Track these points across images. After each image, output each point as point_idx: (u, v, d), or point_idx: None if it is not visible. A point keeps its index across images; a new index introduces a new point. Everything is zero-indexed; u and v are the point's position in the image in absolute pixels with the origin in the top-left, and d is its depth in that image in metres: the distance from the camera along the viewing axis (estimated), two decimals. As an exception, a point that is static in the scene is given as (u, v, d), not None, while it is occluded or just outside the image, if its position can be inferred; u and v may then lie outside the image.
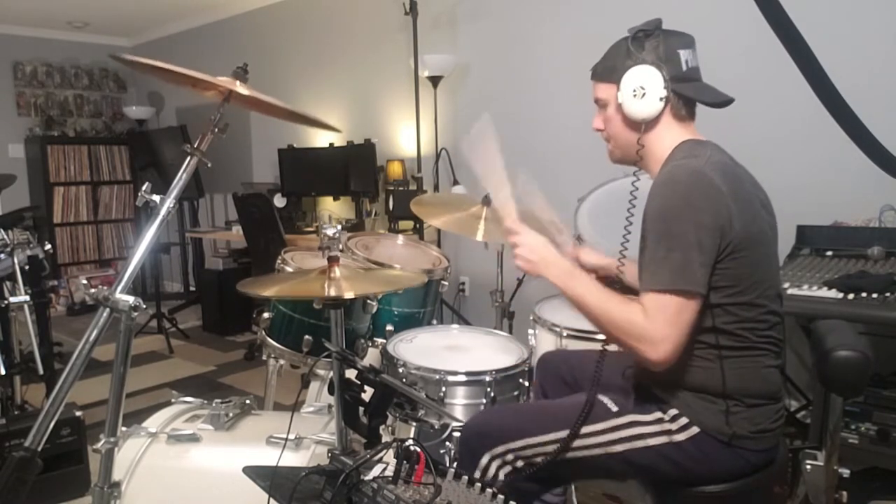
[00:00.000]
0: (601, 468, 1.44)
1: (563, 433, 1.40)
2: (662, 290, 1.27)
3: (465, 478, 1.12)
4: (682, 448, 1.36)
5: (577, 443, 1.40)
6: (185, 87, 1.50)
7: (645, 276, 1.32)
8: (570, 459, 1.41)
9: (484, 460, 1.43)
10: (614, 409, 1.43)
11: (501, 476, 1.42)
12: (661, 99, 1.39)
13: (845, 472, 1.60)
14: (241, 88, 1.42)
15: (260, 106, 1.55)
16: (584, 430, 1.40)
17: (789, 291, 2.03)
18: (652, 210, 1.33)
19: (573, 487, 1.89)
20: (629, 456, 1.39)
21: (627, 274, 1.56)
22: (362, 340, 2.23)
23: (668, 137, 1.44)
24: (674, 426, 1.37)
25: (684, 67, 1.40)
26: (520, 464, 1.42)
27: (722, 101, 1.43)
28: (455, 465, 1.47)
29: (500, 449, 1.43)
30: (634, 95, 1.39)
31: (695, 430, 1.35)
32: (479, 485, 1.11)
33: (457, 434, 1.75)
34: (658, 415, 1.39)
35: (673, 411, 1.38)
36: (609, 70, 1.45)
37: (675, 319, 1.27)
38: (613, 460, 1.40)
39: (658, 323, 1.27)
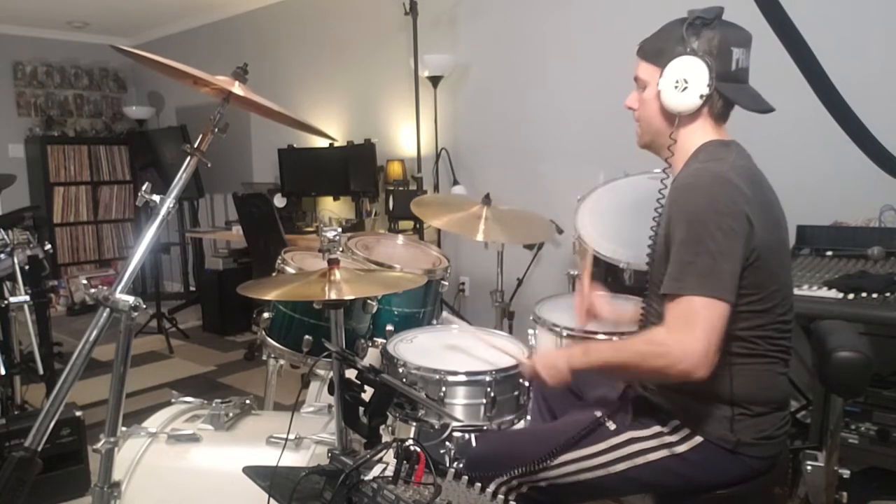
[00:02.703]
0: (606, 488, 1.43)
1: (566, 456, 1.40)
2: (688, 295, 1.22)
3: (465, 478, 1.12)
4: (685, 458, 1.34)
5: (579, 465, 1.39)
6: (185, 83, 1.49)
7: (667, 280, 1.26)
8: (574, 482, 1.40)
9: (491, 488, 1.43)
10: (612, 427, 1.41)
11: (511, 502, 1.42)
12: (701, 96, 1.32)
13: (845, 472, 1.60)
14: (238, 90, 1.42)
15: (258, 108, 1.55)
16: (584, 451, 1.40)
17: (789, 291, 2.03)
18: (676, 214, 1.29)
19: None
20: (631, 473, 1.37)
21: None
22: (362, 340, 2.23)
23: (699, 135, 1.39)
24: (675, 437, 1.35)
25: (734, 67, 1.33)
26: (525, 489, 1.42)
27: (762, 109, 1.37)
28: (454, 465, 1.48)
29: (505, 477, 1.43)
30: (676, 87, 1.33)
31: (698, 439, 1.34)
32: (478, 485, 1.11)
33: (457, 434, 1.75)
34: (657, 428, 1.37)
35: (674, 422, 1.36)
36: (657, 51, 1.38)
37: (703, 325, 1.20)
38: (617, 479, 1.38)
39: (681, 331, 1.21)
